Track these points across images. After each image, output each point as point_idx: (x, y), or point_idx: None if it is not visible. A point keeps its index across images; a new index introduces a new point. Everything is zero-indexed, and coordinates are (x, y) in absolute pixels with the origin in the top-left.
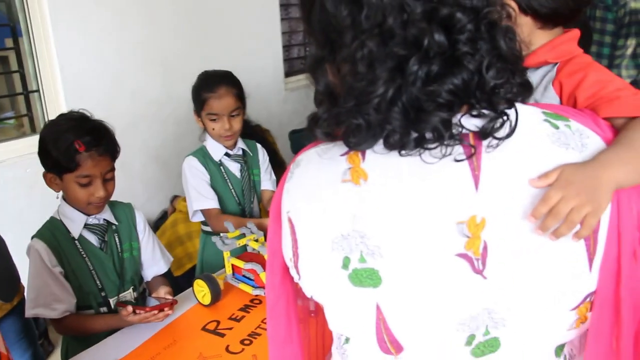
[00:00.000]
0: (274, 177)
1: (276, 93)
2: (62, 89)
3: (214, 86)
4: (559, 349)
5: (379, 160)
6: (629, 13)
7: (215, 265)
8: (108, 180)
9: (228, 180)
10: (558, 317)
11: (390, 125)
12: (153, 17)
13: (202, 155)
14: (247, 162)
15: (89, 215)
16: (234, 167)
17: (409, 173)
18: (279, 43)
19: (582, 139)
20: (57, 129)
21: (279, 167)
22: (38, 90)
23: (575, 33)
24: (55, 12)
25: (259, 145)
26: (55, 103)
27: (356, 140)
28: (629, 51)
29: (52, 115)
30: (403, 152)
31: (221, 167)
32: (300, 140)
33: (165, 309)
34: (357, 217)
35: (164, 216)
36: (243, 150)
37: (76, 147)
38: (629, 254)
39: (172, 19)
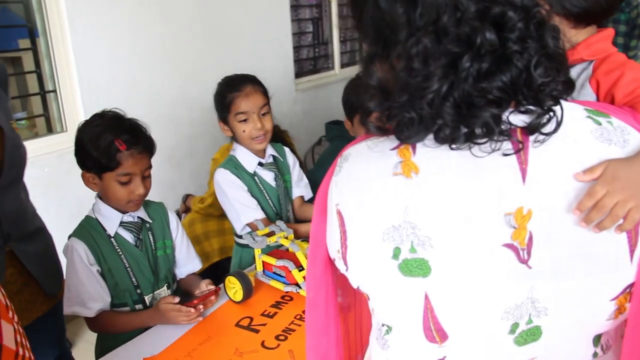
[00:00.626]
0: (306, 180)
1: (287, 94)
2: (78, 89)
3: (240, 85)
4: (597, 339)
5: (429, 154)
6: None
7: None
8: (146, 177)
9: (264, 191)
10: (598, 307)
11: (442, 119)
12: (168, 19)
13: (234, 166)
14: (279, 168)
15: (124, 213)
16: (269, 177)
17: (458, 166)
18: (289, 44)
19: (623, 135)
20: (94, 129)
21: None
22: (55, 91)
23: (610, 32)
24: (72, 13)
25: (287, 149)
26: (71, 103)
27: (408, 133)
28: None
29: (68, 115)
30: (453, 146)
31: (255, 178)
32: (335, 131)
33: (212, 297)
34: (409, 208)
35: (177, 215)
36: (273, 156)
37: (117, 145)
38: None
39: (186, 21)
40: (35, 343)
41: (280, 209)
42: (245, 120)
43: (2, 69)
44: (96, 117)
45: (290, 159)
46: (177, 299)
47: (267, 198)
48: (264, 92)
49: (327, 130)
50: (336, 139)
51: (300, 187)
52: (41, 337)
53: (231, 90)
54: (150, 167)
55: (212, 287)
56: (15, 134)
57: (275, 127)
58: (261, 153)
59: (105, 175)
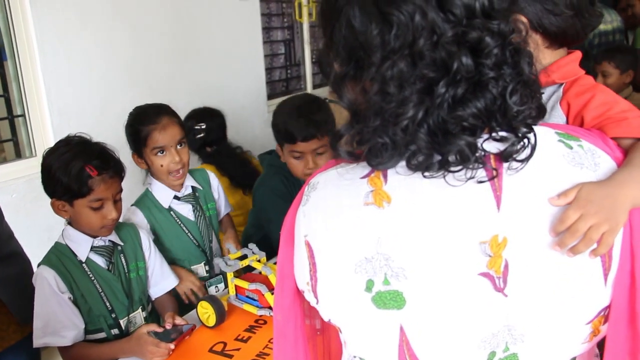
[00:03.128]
0: (227, 200)
1: (259, 115)
2: (48, 113)
3: (155, 117)
4: None
5: (401, 182)
6: (599, 35)
7: None
8: (117, 201)
9: (182, 225)
10: (574, 331)
11: (416, 146)
12: (139, 41)
13: (148, 203)
14: (199, 198)
15: (95, 237)
16: (186, 210)
17: (431, 195)
18: (261, 65)
19: (594, 159)
20: (63, 156)
21: None
22: (23, 115)
23: (578, 55)
24: (41, 35)
25: (209, 173)
26: (41, 127)
27: (380, 159)
28: None
29: (37, 139)
30: (427, 174)
31: (171, 213)
32: (267, 160)
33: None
34: (382, 239)
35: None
36: (192, 187)
37: (88, 172)
38: None
39: (158, 43)
40: None
41: (203, 242)
42: (162, 153)
43: None
44: (62, 143)
45: (214, 183)
46: (157, 329)
47: (186, 232)
48: (180, 124)
49: (260, 161)
50: (268, 167)
51: (226, 207)
52: None
53: (146, 123)
54: (121, 190)
55: (186, 322)
56: None
57: (237, 149)
58: (178, 186)
59: (77, 202)
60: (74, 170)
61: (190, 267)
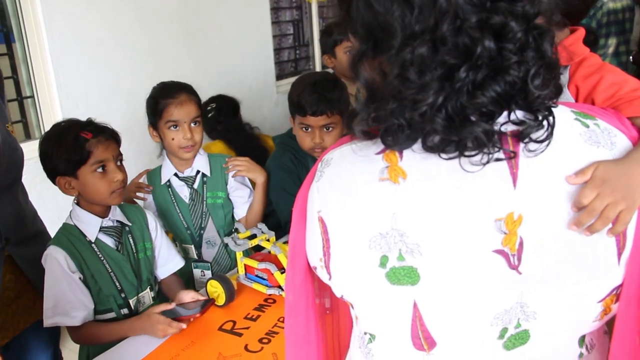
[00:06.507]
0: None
1: (268, 96)
2: (57, 94)
3: (174, 93)
4: (582, 339)
5: (417, 159)
6: (607, 14)
7: None
8: (120, 165)
9: (175, 203)
10: (585, 309)
11: (433, 129)
12: (147, 22)
13: (155, 175)
14: (206, 183)
15: (103, 217)
16: (184, 191)
17: (447, 171)
18: (270, 46)
19: (610, 137)
20: (55, 134)
21: None
22: (32, 96)
23: (581, 33)
24: (49, 17)
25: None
26: (50, 108)
27: (395, 140)
28: (611, 50)
29: (46, 120)
30: (443, 155)
31: (169, 189)
32: (278, 139)
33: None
34: (397, 215)
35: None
36: (202, 172)
37: (83, 137)
38: None
39: (165, 24)
40: (34, 343)
41: (192, 225)
42: (175, 128)
43: None
44: (52, 127)
45: (230, 174)
46: (168, 307)
47: (178, 212)
48: (198, 103)
49: (273, 140)
50: (278, 145)
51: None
52: (40, 337)
53: (165, 97)
54: (121, 155)
55: (200, 298)
56: (11, 137)
57: (246, 125)
58: (184, 165)
59: (80, 171)
60: (70, 140)
61: (182, 245)
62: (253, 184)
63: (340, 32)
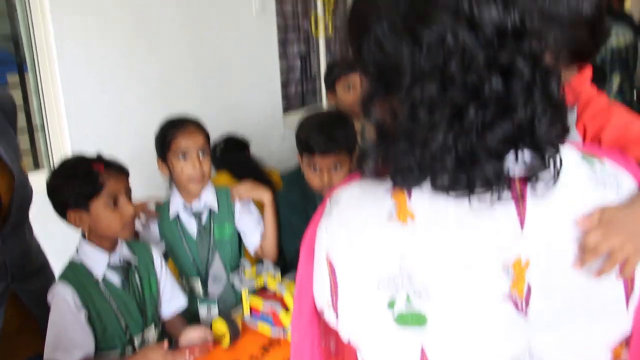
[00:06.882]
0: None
1: (275, 130)
2: (66, 124)
3: (182, 124)
4: None
5: (425, 199)
6: (611, 51)
7: None
8: (128, 199)
9: (183, 238)
10: (594, 356)
11: (443, 169)
12: (158, 55)
13: (163, 210)
14: (213, 217)
15: (110, 253)
16: (192, 225)
17: (456, 213)
18: (277, 80)
19: (616, 179)
20: (67, 167)
21: None
22: (43, 126)
23: (588, 73)
24: (61, 48)
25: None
26: (59, 138)
27: (405, 180)
28: (615, 87)
29: (56, 151)
30: (452, 192)
31: (178, 225)
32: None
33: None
34: (405, 257)
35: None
36: (209, 207)
37: (96, 169)
38: None
39: (176, 57)
40: None
41: (199, 260)
42: (184, 158)
43: (10, 101)
44: (62, 163)
45: (238, 206)
46: (166, 345)
47: (185, 246)
48: (206, 136)
49: (282, 179)
50: (287, 181)
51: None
52: None
53: (173, 128)
54: (130, 190)
55: (207, 336)
56: (23, 176)
57: (254, 159)
58: (192, 197)
59: (93, 204)
60: (82, 172)
61: (188, 277)
62: (260, 207)
63: (340, 69)
